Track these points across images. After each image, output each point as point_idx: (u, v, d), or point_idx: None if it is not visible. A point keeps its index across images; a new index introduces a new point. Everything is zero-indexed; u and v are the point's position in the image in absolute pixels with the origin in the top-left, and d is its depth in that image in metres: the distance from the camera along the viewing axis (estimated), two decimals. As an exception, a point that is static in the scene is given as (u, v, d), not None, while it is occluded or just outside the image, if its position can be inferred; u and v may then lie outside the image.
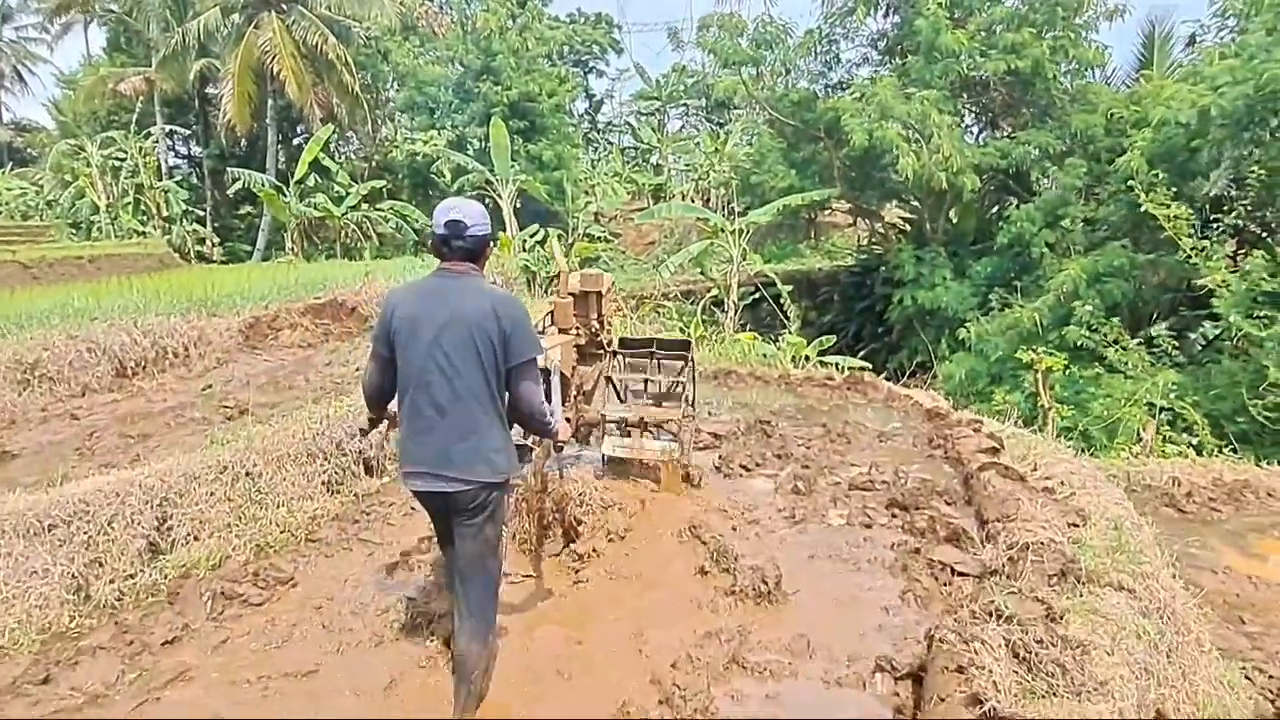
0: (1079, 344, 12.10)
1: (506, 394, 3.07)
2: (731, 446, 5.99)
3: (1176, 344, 11.50)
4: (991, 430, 5.77)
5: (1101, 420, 10.55)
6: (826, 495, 4.94)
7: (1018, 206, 16.02)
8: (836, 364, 13.55)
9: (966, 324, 15.27)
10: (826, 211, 27.08)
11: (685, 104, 42.57)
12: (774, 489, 5.13)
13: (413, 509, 4.89)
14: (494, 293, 3.10)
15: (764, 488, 5.18)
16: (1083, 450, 11.03)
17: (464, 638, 3.01)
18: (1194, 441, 9.66)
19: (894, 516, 4.57)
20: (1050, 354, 11.05)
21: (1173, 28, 18.45)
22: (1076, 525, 4.00)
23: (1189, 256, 11.04)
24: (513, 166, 23.47)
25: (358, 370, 7.73)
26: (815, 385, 7.99)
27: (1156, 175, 11.52)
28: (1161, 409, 10.47)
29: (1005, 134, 17.82)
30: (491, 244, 3.23)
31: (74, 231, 25.46)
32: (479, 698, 3.03)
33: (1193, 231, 11.03)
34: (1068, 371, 11.06)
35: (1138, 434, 10.16)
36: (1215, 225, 11.41)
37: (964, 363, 14.89)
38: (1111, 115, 15.14)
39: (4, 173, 29.40)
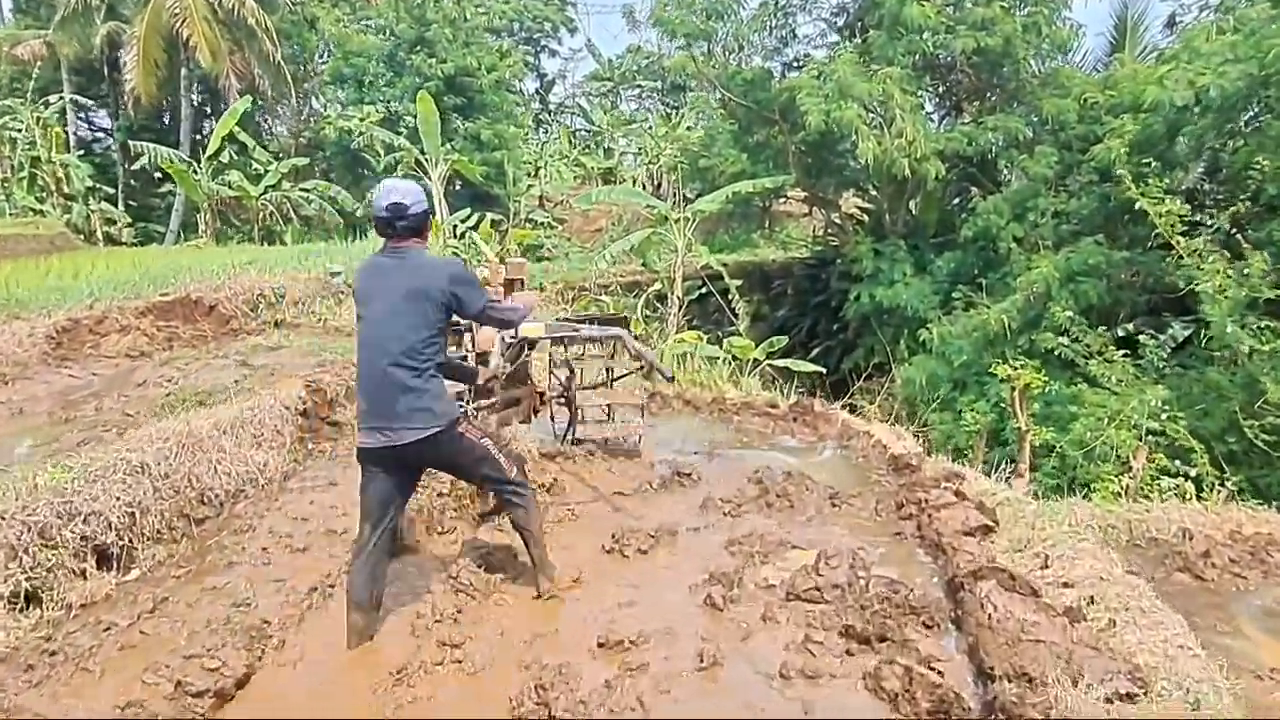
0: (1055, 351, 10.86)
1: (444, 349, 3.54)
2: (635, 514, 4.48)
3: (1164, 356, 10.26)
4: (979, 497, 4.32)
5: (1084, 444, 9.26)
6: (755, 607, 3.44)
7: (984, 198, 14.79)
8: (787, 368, 12.28)
9: (928, 324, 14.01)
10: (781, 200, 25.74)
11: (639, 86, 40.90)
12: (682, 592, 3.63)
13: (143, 632, 3.31)
14: (437, 260, 3.65)
15: (668, 585, 3.69)
16: (1061, 477, 9.96)
17: (507, 509, 3.66)
18: (1191, 473, 8.43)
19: (850, 654, 3.08)
20: (1022, 364, 9.77)
21: (1146, 9, 17.41)
22: (1133, 696, 2.56)
23: (1181, 257, 9.82)
24: (445, 146, 21.66)
25: (170, 393, 6.06)
26: (755, 413, 6.50)
27: (1148, 165, 10.24)
28: (1148, 431, 9.23)
29: (970, 119, 16.58)
30: (430, 217, 3.55)
31: (-25, 208, 23.10)
32: (543, 554, 3.63)
33: (1186, 230, 9.79)
34: (1047, 389, 9.75)
35: (1125, 461, 8.92)
36: (1210, 223, 10.21)
37: (924, 366, 13.62)
38: (1085, 100, 13.94)
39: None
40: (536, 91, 43.11)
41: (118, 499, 3.82)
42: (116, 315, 7.82)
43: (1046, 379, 9.48)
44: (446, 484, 4.56)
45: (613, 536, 4.10)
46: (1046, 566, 3.61)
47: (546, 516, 4.49)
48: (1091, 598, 3.27)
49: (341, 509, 4.49)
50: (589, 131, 39.08)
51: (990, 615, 3.09)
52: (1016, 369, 8.89)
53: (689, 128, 29.49)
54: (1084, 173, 13.29)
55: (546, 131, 40.97)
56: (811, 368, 13.20)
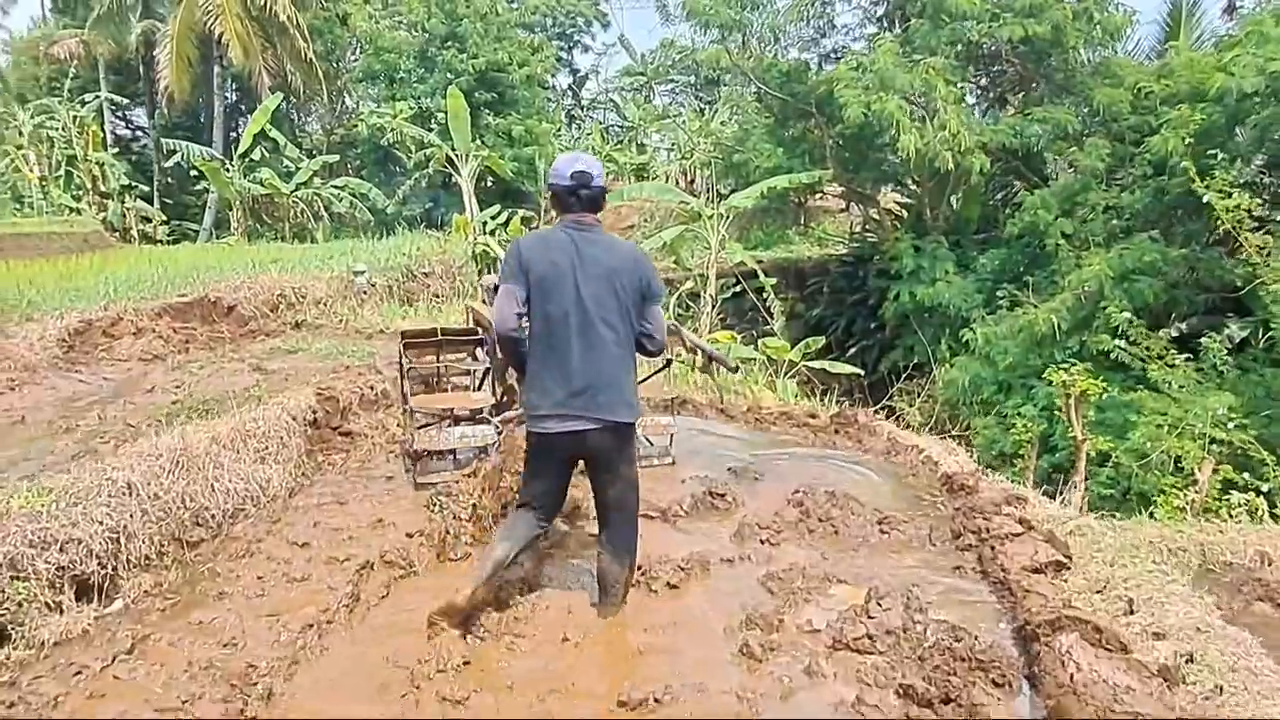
0: (1111, 353, 10.28)
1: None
2: (662, 542, 4.10)
3: (1228, 359, 9.65)
4: (1048, 526, 3.87)
5: (1143, 454, 8.70)
6: (798, 657, 3.04)
7: (1030, 192, 14.18)
8: (824, 369, 11.85)
9: (971, 324, 13.46)
10: (818, 196, 25.19)
11: (673, 80, 40.47)
12: (715, 636, 3.25)
13: (116, 677, 3.00)
14: (629, 244, 3.62)
15: (700, 628, 3.31)
16: (1115, 487, 9.39)
17: (606, 558, 3.39)
18: (1264, 487, 7.85)
19: (910, 719, 2.69)
20: (1071, 363, 9.22)
21: (1202, -5, 16.63)
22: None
23: (1245, 255, 9.22)
24: (476, 142, 21.40)
25: (176, 400, 5.78)
26: (794, 424, 6.07)
27: (1211, 157, 9.63)
28: (1212, 440, 8.64)
29: (1015, 111, 15.94)
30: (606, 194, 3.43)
31: (17, 206, 23.35)
32: (618, 603, 3.41)
33: (1256, 225, 9.18)
34: (1104, 395, 9.19)
35: (1187, 472, 8.34)
36: (1276, 218, 9.60)
37: (968, 368, 13.07)
38: (1139, 90, 13.27)
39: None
40: (569, 87, 42.95)
41: (100, 523, 3.51)
42: (131, 317, 7.60)
43: (1105, 384, 8.93)
44: (467, 506, 4.19)
45: (639, 568, 3.72)
46: (1131, 613, 3.17)
47: (566, 544, 4.13)
48: (1190, 655, 2.83)
49: (348, 532, 4.17)
50: (622, 127, 38.72)
51: (1073, 676, 2.66)
52: (1071, 374, 8.36)
53: (723, 122, 28.99)
54: (1138, 165, 12.66)
55: (579, 127, 40.69)
56: (849, 369, 12.79)
